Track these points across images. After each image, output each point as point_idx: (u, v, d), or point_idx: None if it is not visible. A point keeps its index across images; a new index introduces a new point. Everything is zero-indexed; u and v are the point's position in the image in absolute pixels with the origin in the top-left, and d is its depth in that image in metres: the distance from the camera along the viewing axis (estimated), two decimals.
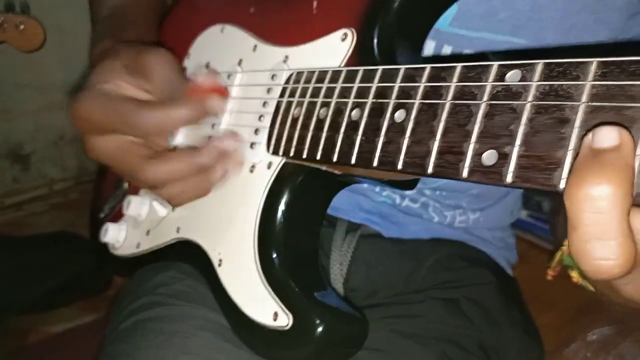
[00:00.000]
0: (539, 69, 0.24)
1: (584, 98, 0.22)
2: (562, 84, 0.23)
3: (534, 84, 0.23)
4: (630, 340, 0.79)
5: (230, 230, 0.39)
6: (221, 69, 0.46)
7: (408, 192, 0.50)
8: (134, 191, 0.50)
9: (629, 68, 0.21)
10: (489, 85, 0.25)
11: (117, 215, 0.53)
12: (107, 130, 0.39)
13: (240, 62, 0.44)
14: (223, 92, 0.41)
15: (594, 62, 0.22)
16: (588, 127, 0.21)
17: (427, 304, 0.47)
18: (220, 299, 0.38)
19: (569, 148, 0.21)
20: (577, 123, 0.22)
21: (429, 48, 0.44)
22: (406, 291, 0.49)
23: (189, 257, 0.43)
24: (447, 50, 0.43)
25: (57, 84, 1.86)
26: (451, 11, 0.42)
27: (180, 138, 0.42)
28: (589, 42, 0.42)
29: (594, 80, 0.22)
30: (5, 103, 1.78)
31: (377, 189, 0.49)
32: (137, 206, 0.48)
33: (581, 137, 0.21)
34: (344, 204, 0.50)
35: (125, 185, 0.54)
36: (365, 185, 0.47)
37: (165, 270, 0.46)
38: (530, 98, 0.23)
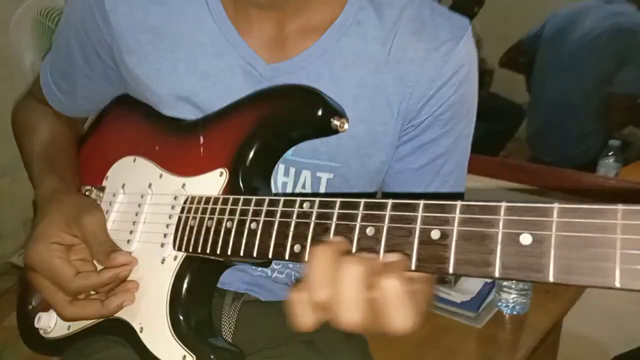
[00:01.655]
0: (317, 202, 0.46)
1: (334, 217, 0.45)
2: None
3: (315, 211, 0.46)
4: None
5: (147, 305, 0.57)
6: (135, 190, 0.65)
7: (276, 266, 0.71)
8: None
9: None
10: (295, 210, 0.48)
11: (46, 305, 0.67)
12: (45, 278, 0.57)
13: (150, 186, 0.63)
14: (132, 264, 0.59)
15: (335, 201, 0.45)
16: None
17: (292, 347, 0.67)
18: (143, 355, 0.55)
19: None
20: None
21: (281, 169, 0.66)
22: (278, 339, 0.68)
23: (114, 329, 0.59)
24: (292, 170, 0.66)
25: None
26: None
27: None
28: (377, 166, 0.67)
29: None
30: None
31: (254, 266, 0.70)
32: None
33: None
34: (231, 279, 0.69)
35: None
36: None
37: (94, 342, 0.61)
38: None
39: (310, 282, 0.39)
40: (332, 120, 0.53)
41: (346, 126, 0.53)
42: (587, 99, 1.91)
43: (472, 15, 2.50)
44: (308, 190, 0.67)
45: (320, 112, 0.53)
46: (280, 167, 0.66)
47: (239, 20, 0.61)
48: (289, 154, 0.64)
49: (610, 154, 1.74)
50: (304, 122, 0.55)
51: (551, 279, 0.32)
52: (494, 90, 2.53)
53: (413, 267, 0.38)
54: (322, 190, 0.67)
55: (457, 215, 0.36)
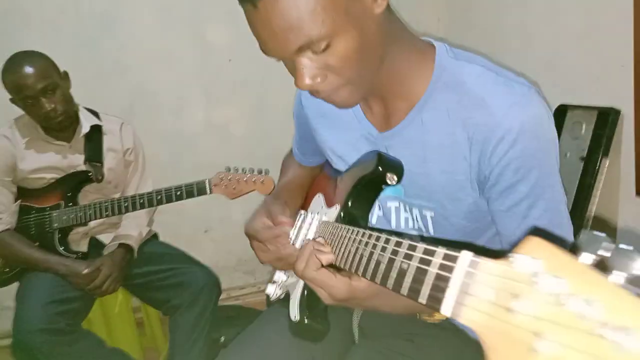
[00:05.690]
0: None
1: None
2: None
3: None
4: None
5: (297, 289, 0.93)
6: (314, 213, 1.02)
7: None
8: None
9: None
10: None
11: (270, 280, 1.12)
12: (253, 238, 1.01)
13: (318, 213, 1.00)
14: (291, 225, 0.97)
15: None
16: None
17: (398, 341, 0.88)
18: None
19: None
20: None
21: (402, 207, 0.90)
22: (393, 333, 0.91)
23: (288, 299, 0.97)
24: (407, 207, 0.89)
25: None
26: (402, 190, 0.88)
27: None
28: (467, 207, 0.82)
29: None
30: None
31: None
32: (278, 276, 1.06)
33: None
34: None
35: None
36: None
37: (282, 303, 1.02)
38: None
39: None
40: (387, 174, 0.76)
41: (394, 181, 0.75)
42: None
43: None
44: (420, 223, 0.89)
45: (380, 168, 0.77)
46: (401, 205, 0.91)
47: (364, 106, 0.91)
48: (403, 195, 0.88)
49: None
50: (372, 176, 0.80)
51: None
52: None
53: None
54: (429, 224, 0.87)
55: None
